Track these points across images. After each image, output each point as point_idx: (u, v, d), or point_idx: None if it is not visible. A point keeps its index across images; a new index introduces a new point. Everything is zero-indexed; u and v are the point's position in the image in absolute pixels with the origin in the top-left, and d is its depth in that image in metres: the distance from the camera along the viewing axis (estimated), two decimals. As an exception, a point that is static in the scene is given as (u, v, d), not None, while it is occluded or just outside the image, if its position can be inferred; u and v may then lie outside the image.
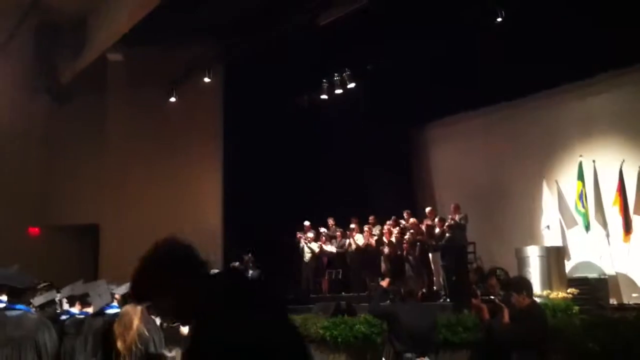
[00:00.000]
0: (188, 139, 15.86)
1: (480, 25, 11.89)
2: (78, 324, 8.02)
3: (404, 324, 5.78)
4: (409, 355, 4.90)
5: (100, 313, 8.00)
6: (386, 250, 13.33)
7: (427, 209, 13.59)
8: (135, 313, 7.42)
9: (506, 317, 6.21)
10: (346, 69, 14.61)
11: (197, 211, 15.63)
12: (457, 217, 12.59)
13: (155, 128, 15.73)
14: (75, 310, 8.21)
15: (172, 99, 15.14)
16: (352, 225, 14.24)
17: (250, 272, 13.79)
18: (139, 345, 7.12)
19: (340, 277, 13.91)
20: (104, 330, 7.79)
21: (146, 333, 6.97)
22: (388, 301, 7.40)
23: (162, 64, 15.18)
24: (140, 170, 15.56)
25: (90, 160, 15.64)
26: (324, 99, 15.16)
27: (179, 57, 15.00)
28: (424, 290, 12.65)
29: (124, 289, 8.23)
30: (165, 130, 15.72)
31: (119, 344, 7.41)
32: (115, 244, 14.72)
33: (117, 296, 8.01)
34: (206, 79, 14.71)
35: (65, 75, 14.70)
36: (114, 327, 7.58)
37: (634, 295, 12.05)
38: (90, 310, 8.24)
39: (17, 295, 7.48)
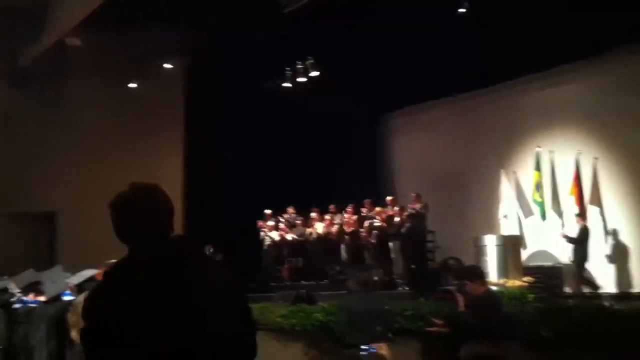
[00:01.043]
0: (150, 124, 15.63)
1: (443, 15, 11.91)
2: (30, 311, 7.88)
3: (353, 314, 5.80)
4: (364, 347, 4.91)
5: (53, 300, 7.85)
6: (346, 238, 13.35)
7: (388, 198, 13.64)
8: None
9: (461, 305, 6.29)
10: (309, 57, 14.52)
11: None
12: (417, 206, 12.67)
13: (117, 113, 15.46)
14: (29, 298, 8.06)
15: (133, 85, 14.88)
16: (313, 214, 14.22)
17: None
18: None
19: (300, 265, 13.89)
20: (57, 318, 7.66)
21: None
22: None
23: (123, 49, 14.89)
24: (100, 156, 15.29)
25: (49, 147, 15.30)
26: (288, 87, 15.05)
27: (141, 42, 14.73)
28: (379, 278, 12.78)
29: (79, 277, 8.09)
30: (126, 116, 15.46)
31: (73, 334, 7.28)
32: (74, 231, 14.47)
33: (71, 285, 7.86)
34: (168, 65, 14.48)
35: (24, 59, 14.35)
36: (68, 317, 7.45)
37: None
38: (43, 298, 8.09)
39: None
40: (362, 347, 5.33)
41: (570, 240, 12.10)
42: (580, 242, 11.96)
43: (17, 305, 8.10)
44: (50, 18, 13.68)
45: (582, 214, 12.29)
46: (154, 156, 15.66)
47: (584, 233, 12.04)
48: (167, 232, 2.26)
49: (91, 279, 7.45)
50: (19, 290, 8.35)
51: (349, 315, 5.39)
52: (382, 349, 4.47)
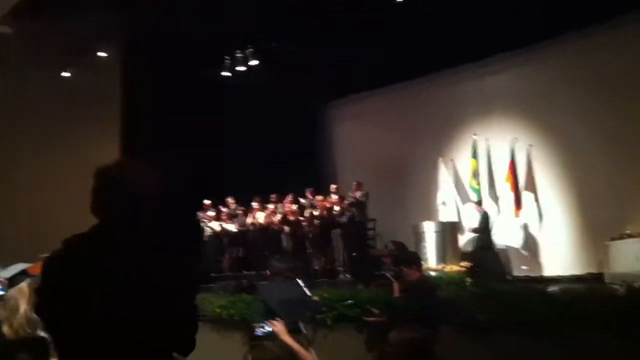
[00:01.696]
0: (85, 113, 15.17)
1: (380, 4, 11.92)
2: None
3: (267, 304, 5.81)
4: (258, 326, 4.94)
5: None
6: (287, 228, 13.31)
7: (333, 186, 13.63)
8: (22, 296, 7.06)
9: (396, 291, 6.34)
10: (249, 46, 14.34)
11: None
12: (358, 195, 12.71)
13: (50, 103, 14.96)
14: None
15: (67, 74, 14.42)
16: (254, 204, 14.10)
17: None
18: (27, 330, 6.79)
19: (241, 255, 13.78)
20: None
21: (35, 316, 6.64)
22: None
23: (55, 37, 14.39)
24: (32, 148, 14.79)
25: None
26: (227, 76, 14.83)
27: (74, 30, 14.26)
28: (321, 267, 12.82)
29: (10, 271, 7.81)
30: (60, 106, 14.98)
31: (5, 329, 7.03)
32: (5, 226, 13.97)
33: (1, 279, 7.60)
34: (103, 53, 14.07)
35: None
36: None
37: (523, 267, 12.61)
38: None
39: None
40: (255, 325, 5.33)
41: (473, 230, 12.36)
42: (483, 230, 12.23)
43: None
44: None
45: (480, 202, 12.62)
46: (90, 146, 15.24)
47: (485, 220, 12.32)
48: (145, 211, 2.34)
49: (23, 272, 7.23)
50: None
51: (264, 305, 5.39)
52: (275, 326, 4.48)
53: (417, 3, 11.46)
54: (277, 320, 4.56)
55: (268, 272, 6.76)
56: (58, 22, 13.98)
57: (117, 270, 2.13)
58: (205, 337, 8.21)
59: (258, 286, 7.59)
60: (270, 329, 4.60)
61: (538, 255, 12.56)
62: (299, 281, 7.74)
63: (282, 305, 5.62)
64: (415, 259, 6.36)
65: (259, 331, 4.86)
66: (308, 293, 7.15)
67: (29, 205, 13.65)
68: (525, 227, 12.74)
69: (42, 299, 2.26)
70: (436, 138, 14.39)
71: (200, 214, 14.28)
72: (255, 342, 5.63)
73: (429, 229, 11.26)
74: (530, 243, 12.70)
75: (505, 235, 12.97)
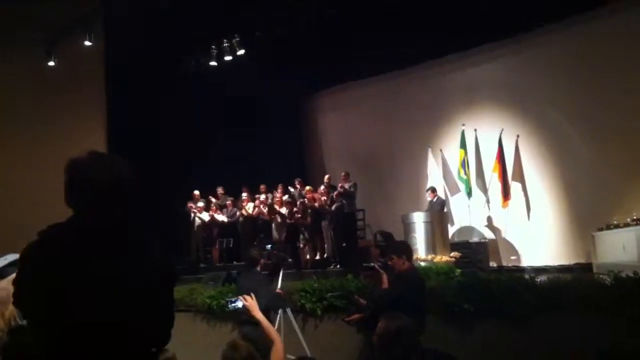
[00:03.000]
0: (69, 102, 15.05)
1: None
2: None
3: (242, 288, 6.01)
4: (230, 300, 5.03)
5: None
6: (278, 219, 13.33)
7: (326, 177, 13.63)
8: (12, 288, 7.05)
9: (385, 282, 6.37)
10: (235, 35, 14.28)
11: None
12: (346, 185, 12.72)
13: (33, 91, 14.83)
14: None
15: (51, 63, 14.31)
16: (243, 195, 14.11)
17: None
18: (19, 321, 6.79)
19: (231, 246, 13.78)
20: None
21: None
22: None
23: (39, 24, 14.27)
24: (16, 135, 14.69)
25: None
26: (213, 66, 14.78)
27: (58, 18, 14.15)
28: (310, 257, 12.86)
29: (1, 262, 7.76)
30: (44, 94, 14.85)
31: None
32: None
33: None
34: (87, 42, 13.97)
35: None
36: None
37: (512, 257, 12.72)
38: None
39: None
40: (227, 299, 5.41)
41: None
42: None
43: None
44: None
45: (434, 190, 12.67)
46: (75, 135, 15.14)
47: (440, 205, 12.38)
48: (120, 205, 2.29)
49: (14, 263, 7.18)
50: None
51: (237, 293, 5.50)
52: (246, 299, 4.52)
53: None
54: (249, 296, 4.59)
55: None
56: (43, 8, 13.89)
57: (90, 263, 2.14)
58: (195, 327, 8.28)
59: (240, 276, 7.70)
60: (242, 304, 4.64)
61: (526, 246, 12.65)
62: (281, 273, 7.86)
63: (255, 293, 5.72)
64: (404, 248, 6.39)
65: (231, 306, 4.90)
66: (278, 287, 7.28)
67: (16, 194, 13.58)
68: (513, 217, 12.83)
69: (18, 290, 2.26)
70: (424, 128, 14.42)
71: (189, 204, 14.26)
72: (248, 332, 5.71)
73: (419, 219, 11.31)
74: (518, 233, 12.79)
75: (494, 225, 13.07)
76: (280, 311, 7.80)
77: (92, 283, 2.11)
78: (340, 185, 12.78)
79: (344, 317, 6.77)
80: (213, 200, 14.37)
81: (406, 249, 6.50)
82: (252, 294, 4.68)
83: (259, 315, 4.33)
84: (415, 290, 5.96)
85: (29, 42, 14.29)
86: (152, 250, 2.34)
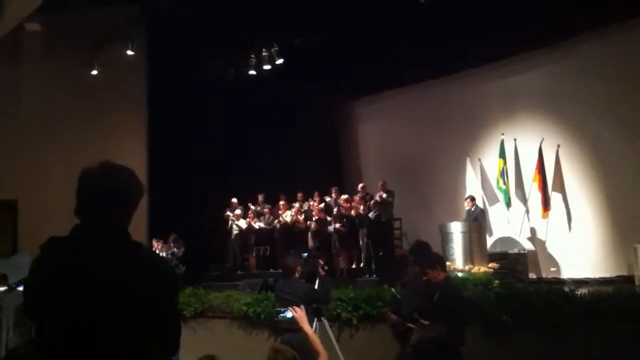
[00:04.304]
0: (110, 112, 15.39)
1: (407, 2, 11.92)
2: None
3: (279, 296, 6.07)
4: (279, 310, 5.04)
5: (16, 288, 7.71)
6: (313, 226, 13.36)
7: (360, 185, 13.66)
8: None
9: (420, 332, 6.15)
10: (274, 45, 14.41)
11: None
12: (384, 194, 12.71)
13: (76, 100, 15.17)
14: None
15: (94, 72, 14.65)
16: (281, 202, 14.19)
17: (175, 250, 13.60)
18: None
19: (268, 253, 13.86)
20: (21, 306, 7.53)
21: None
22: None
23: (83, 34, 14.62)
24: (60, 144, 15.05)
25: (7, 133, 15.00)
26: (252, 74, 14.93)
27: (101, 27, 14.49)
28: (346, 266, 12.84)
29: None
30: (86, 103, 15.18)
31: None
32: (36, 219, 14.22)
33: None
34: (129, 51, 14.26)
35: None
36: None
37: (552, 269, 12.51)
38: (3, 288, 7.95)
39: None
40: (277, 310, 5.43)
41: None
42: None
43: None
44: (6, 3, 13.36)
45: (473, 198, 12.50)
46: (116, 143, 15.43)
47: (478, 215, 12.19)
48: (125, 212, 2.36)
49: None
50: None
51: (276, 301, 5.54)
52: (296, 311, 4.52)
53: (442, 3, 11.45)
54: (299, 307, 4.61)
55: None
56: (84, 18, 14.21)
57: (94, 267, 2.19)
58: (232, 334, 8.33)
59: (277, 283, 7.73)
60: (291, 315, 4.66)
61: (566, 257, 12.43)
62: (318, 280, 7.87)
63: (288, 302, 5.75)
64: (437, 259, 6.34)
65: (280, 316, 4.94)
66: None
67: (57, 198, 13.87)
68: (553, 228, 12.63)
69: (27, 299, 2.32)
70: (463, 137, 14.31)
71: (227, 212, 14.40)
72: (288, 339, 5.75)
73: (456, 230, 11.22)
74: (558, 244, 12.58)
75: (533, 236, 12.88)
76: (315, 319, 7.81)
77: (96, 287, 2.16)
78: (377, 193, 12.77)
79: (388, 312, 6.64)
80: (251, 207, 14.49)
81: (439, 260, 6.45)
82: (301, 305, 4.70)
83: (306, 327, 4.34)
84: (452, 301, 5.90)
85: (72, 51, 14.66)
86: (153, 256, 2.42)
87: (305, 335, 4.37)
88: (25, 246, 13.33)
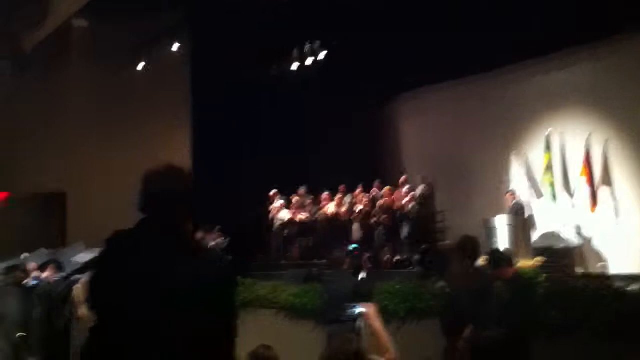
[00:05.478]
0: (156, 106, 15.69)
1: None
2: (48, 290, 8.00)
3: (329, 288, 6.05)
4: (351, 308, 5.04)
5: (67, 277, 7.96)
6: (356, 218, 13.40)
7: (402, 178, 13.64)
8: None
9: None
10: (316, 40, 14.47)
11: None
12: (425, 188, 12.71)
13: (122, 95, 15.52)
14: (44, 276, 8.17)
15: (139, 67, 14.92)
16: (324, 194, 14.27)
17: (219, 240, 13.76)
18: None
19: (310, 245, 13.96)
20: (65, 295, 7.77)
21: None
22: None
23: (128, 31, 14.91)
24: (107, 138, 15.39)
25: (57, 128, 15.42)
26: (294, 69, 15.00)
27: (146, 24, 14.74)
28: (395, 258, 12.84)
29: (84, 257, 8.17)
30: (132, 97, 15.52)
31: (82, 311, 7.37)
32: (83, 212, 14.59)
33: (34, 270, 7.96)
34: (174, 48, 14.50)
35: (28, 42, 14.41)
36: (77, 294, 7.54)
37: (599, 264, 12.30)
38: (57, 276, 8.20)
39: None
40: (346, 305, 5.41)
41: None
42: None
43: (33, 283, 8.22)
44: (54, 2, 13.71)
45: (513, 192, 12.32)
46: (161, 137, 15.73)
47: (519, 209, 11.99)
48: (187, 216, 2.47)
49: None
50: (33, 268, 8.47)
51: (324, 293, 5.55)
52: (370, 307, 4.43)
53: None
54: (369, 303, 4.58)
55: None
56: (132, 16, 14.48)
57: (154, 264, 2.27)
58: (278, 324, 8.43)
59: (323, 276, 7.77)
60: (362, 310, 4.62)
61: (615, 252, 12.22)
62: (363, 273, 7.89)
63: (338, 294, 5.77)
64: (506, 255, 6.27)
65: (349, 312, 4.93)
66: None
67: (104, 192, 14.27)
68: (601, 223, 12.43)
69: (91, 293, 2.43)
70: (507, 131, 14.14)
71: (270, 204, 14.54)
72: (335, 331, 5.79)
73: (501, 224, 11.12)
74: (606, 239, 12.38)
75: (580, 231, 12.70)
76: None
77: (159, 285, 2.24)
78: (419, 186, 12.77)
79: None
80: (294, 199, 14.59)
81: (506, 257, 6.39)
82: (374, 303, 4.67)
83: (377, 324, 4.24)
84: (520, 299, 5.80)
85: (119, 48, 14.94)
86: (215, 255, 2.53)
87: (372, 330, 4.28)
88: (74, 238, 13.70)
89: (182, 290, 2.24)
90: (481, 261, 6.92)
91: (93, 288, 2.43)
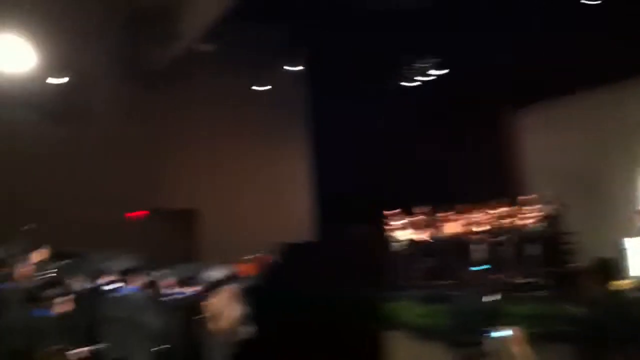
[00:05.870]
0: (274, 125, 16.20)
1: (578, 6, 11.50)
2: (184, 303, 8.40)
3: (456, 308, 5.93)
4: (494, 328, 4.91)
5: (204, 292, 8.31)
6: (480, 238, 13.13)
7: (529, 197, 13.25)
8: (231, 295, 7.67)
9: None
10: (432, 56, 14.39)
11: (286, 197, 16.03)
12: (553, 207, 12.28)
13: (243, 114, 16.13)
14: (184, 290, 8.58)
15: (257, 87, 15.44)
16: (443, 213, 14.10)
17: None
18: (234, 327, 7.37)
19: (432, 265, 13.79)
20: (193, 309, 8.11)
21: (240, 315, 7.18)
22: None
23: (246, 51, 15.42)
24: (232, 156, 16.01)
25: (184, 145, 16.16)
26: (415, 85, 14.98)
27: (261, 45, 15.22)
28: (521, 280, 12.42)
29: (218, 273, 8.47)
30: (252, 117, 16.08)
31: (213, 324, 7.67)
32: (213, 229, 15.16)
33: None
34: (291, 67, 14.89)
35: (155, 63, 15.21)
36: (208, 308, 7.85)
37: None
38: (193, 290, 8.59)
39: (123, 276, 7.88)
40: (493, 327, 5.29)
41: None
42: None
43: (171, 296, 8.63)
44: (181, 25, 14.42)
45: None
46: (282, 156, 16.18)
47: None
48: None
49: (226, 280, 7.84)
50: (172, 282, 8.90)
51: (452, 314, 5.44)
52: (517, 331, 4.28)
53: (613, 5, 10.92)
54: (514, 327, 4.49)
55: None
56: (247, 37, 15.00)
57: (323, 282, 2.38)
58: (406, 345, 8.34)
59: (451, 296, 7.67)
60: (507, 334, 4.54)
61: None
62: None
63: (469, 316, 5.66)
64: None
65: (495, 334, 4.84)
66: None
67: (233, 210, 14.83)
68: None
69: (255, 299, 2.58)
70: (635, 147, 13.47)
71: (390, 223, 14.53)
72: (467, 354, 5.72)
73: (632, 245, 10.57)
74: None
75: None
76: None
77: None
78: (547, 206, 12.34)
79: None
80: (411, 219, 14.49)
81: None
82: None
83: (524, 349, 4.13)
84: None
85: (238, 68, 15.52)
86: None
87: (514, 355, 4.17)
88: (203, 255, 14.29)
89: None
90: (625, 285, 6.60)
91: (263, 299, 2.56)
